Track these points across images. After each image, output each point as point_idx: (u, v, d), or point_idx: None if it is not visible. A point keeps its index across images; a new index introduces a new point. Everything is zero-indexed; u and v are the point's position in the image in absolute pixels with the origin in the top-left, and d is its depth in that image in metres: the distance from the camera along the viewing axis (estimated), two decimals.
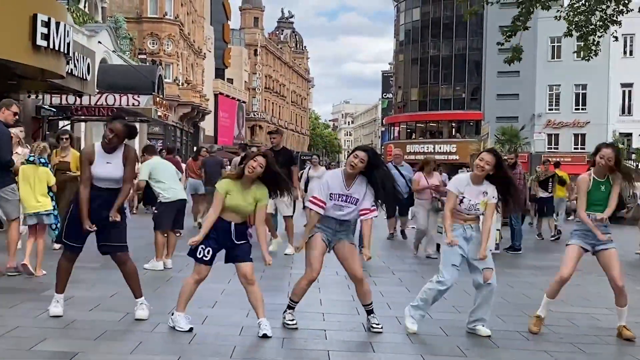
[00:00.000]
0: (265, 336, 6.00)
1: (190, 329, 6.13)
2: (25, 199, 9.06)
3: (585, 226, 6.82)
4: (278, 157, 10.01)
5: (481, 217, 6.64)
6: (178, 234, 10.49)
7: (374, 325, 6.52)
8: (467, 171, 12.90)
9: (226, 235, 6.15)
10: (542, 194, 17.36)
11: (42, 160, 9.31)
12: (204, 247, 6.14)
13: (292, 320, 6.55)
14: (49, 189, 9.29)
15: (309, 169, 16.51)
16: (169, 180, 10.13)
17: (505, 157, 15.08)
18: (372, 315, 6.61)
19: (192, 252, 6.21)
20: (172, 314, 6.31)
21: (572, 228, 7.03)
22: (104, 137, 6.48)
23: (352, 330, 6.61)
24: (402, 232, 16.02)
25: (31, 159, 9.24)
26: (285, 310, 6.62)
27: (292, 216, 12.49)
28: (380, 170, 6.43)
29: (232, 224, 6.16)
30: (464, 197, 6.46)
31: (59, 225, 8.94)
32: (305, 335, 6.33)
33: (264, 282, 9.04)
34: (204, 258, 6.16)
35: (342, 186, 6.41)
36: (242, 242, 6.22)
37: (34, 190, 9.09)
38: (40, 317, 6.56)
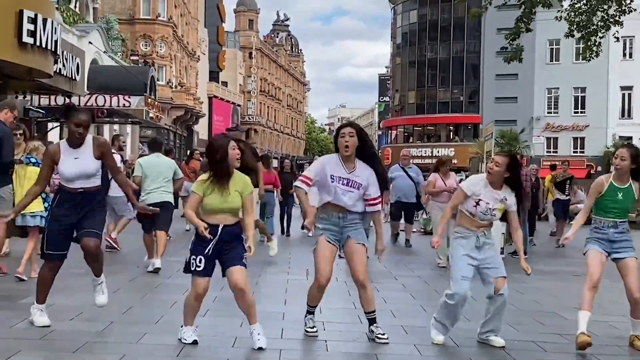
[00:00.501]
0: (260, 349, 5.52)
1: (194, 342, 5.64)
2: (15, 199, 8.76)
3: (598, 232, 6.42)
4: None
5: (497, 224, 6.21)
6: (168, 237, 10.12)
7: (380, 336, 6.04)
8: (466, 175, 12.64)
9: (211, 241, 5.58)
10: (559, 196, 16.88)
11: (33, 160, 9.07)
12: (194, 257, 5.60)
13: (313, 328, 6.18)
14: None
15: None
16: (151, 180, 9.91)
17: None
18: (375, 324, 6.12)
19: (187, 268, 5.68)
20: (181, 327, 5.83)
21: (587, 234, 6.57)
22: (71, 135, 6.06)
23: (355, 340, 6.15)
24: (407, 241, 14.69)
25: (22, 158, 9.06)
26: (306, 315, 6.25)
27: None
28: (368, 150, 6.08)
29: (220, 227, 5.58)
30: (480, 200, 6.02)
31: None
32: (305, 346, 5.87)
33: (259, 288, 8.61)
34: (197, 269, 5.58)
35: (343, 170, 5.97)
36: (231, 242, 5.64)
37: (23, 190, 8.56)
38: (15, 328, 6.09)
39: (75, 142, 6.07)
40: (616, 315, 7.95)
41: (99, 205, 6.22)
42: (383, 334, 6.05)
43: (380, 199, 6.12)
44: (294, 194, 12.32)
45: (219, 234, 5.57)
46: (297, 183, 6.04)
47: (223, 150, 5.55)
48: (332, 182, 5.91)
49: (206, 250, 5.57)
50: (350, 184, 5.92)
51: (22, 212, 8.47)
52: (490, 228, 6.19)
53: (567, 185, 16.99)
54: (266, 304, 7.63)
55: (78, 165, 6.01)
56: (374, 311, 6.13)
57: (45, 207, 8.86)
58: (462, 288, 5.93)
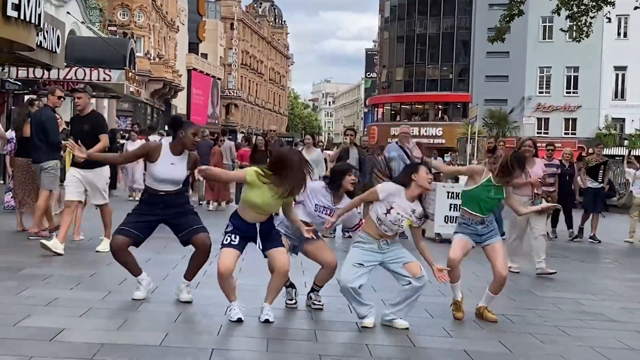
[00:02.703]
0: (267, 321, 6.24)
1: (239, 319, 6.17)
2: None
3: (467, 227, 6.97)
4: (83, 124, 9.66)
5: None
6: None
7: (316, 303, 6.93)
8: (452, 156, 13.21)
9: (252, 237, 6.28)
10: (590, 184, 15.19)
11: None
12: (229, 234, 6.25)
13: (292, 300, 6.99)
14: None
15: (302, 150, 16.53)
16: None
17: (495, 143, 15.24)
18: (316, 293, 7.01)
19: (221, 245, 6.30)
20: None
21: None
22: (185, 144, 6.76)
23: (338, 311, 6.95)
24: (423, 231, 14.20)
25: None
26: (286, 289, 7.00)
27: (106, 204, 10.13)
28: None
29: (257, 225, 6.27)
30: (392, 208, 6.27)
31: None
32: (291, 315, 6.67)
33: (245, 263, 9.35)
34: (232, 242, 6.21)
35: (330, 201, 6.80)
36: (269, 231, 6.34)
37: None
38: (20, 295, 6.83)
39: (179, 150, 6.76)
40: (586, 293, 8.80)
41: (186, 206, 6.98)
42: (320, 301, 6.97)
43: (362, 222, 6.88)
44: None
45: (257, 231, 6.26)
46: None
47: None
48: (316, 211, 6.77)
49: (242, 235, 6.25)
50: (330, 213, 6.75)
51: None
52: (394, 239, 6.45)
53: (601, 172, 15.47)
54: (252, 278, 8.40)
55: (171, 171, 6.73)
56: (322, 286, 7.02)
57: None
58: (350, 274, 6.32)
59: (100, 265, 8.75)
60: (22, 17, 16.72)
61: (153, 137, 18.99)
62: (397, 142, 13.63)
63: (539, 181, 9.91)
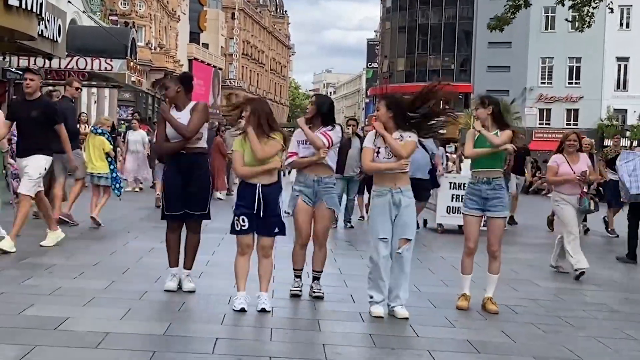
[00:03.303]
0: (263, 310, 6.26)
1: (242, 309, 6.18)
2: (86, 162, 11.55)
3: (473, 187, 7.07)
4: (30, 110, 8.86)
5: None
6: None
7: (316, 291, 6.98)
8: (455, 147, 13.11)
9: (253, 199, 6.32)
10: (612, 175, 14.01)
11: (99, 131, 11.67)
12: (237, 217, 6.35)
13: (297, 287, 7.04)
14: (107, 154, 11.54)
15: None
16: None
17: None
18: (316, 282, 7.08)
19: (232, 229, 6.40)
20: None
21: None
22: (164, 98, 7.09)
23: (341, 301, 6.98)
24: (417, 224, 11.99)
25: (92, 129, 11.77)
26: (294, 279, 7.10)
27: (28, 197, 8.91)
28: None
29: (258, 186, 6.34)
30: (379, 148, 6.51)
31: (120, 185, 11.87)
32: (294, 304, 6.70)
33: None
34: (243, 228, 6.34)
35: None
36: (270, 215, 6.37)
37: (92, 156, 11.52)
38: (24, 284, 6.85)
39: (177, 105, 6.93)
40: (588, 284, 8.81)
41: (204, 175, 7.04)
42: (320, 289, 7.02)
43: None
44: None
45: (258, 192, 6.32)
46: (289, 160, 6.96)
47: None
48: (299, 145, 6.95)
49: (247, 211, 6.32)
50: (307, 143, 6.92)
51: (91, 172, 11.45)
52: (407, 184, 6.61)
53: None
54: (254, 266, 8.43)
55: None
56: (321, 271, 7.10)
57: (111, 169, 11.57)
58: (382, 252, 6.40)
59: (104, 255, 8.76)
60: (23, 6, 16.71)
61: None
62: None
63: (577, 177, 9.13)
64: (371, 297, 6.47)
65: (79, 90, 11.11)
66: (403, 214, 6.45)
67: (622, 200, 12.30)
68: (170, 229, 7.04)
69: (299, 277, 7.13)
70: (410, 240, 6.49)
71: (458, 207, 13.03)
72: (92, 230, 10.85)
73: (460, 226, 13.45)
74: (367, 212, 13.73)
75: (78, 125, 12.84)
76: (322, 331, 5.88)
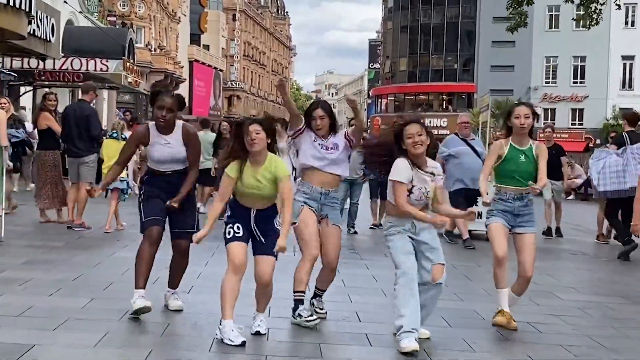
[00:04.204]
0: (258, 333, 5.55)
1: (243, 343, 5.23)
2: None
3: (504, 204, 6.24)
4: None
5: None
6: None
7: (318, 310, 6.16)
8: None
9: (246, 222, 5.50)
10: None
11: (123, 136, 11.18)
12: (231, 225, 5.45)
13: (312, 316, 5.95)
14: None
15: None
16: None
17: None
18: (319, 299, 6.31)
19: (226, 240, 5.49)
20: (220, 324, 5.39)
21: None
22: (156, 117, 6.06)
23: (344, 320, 6.25)
24: (465, 240, 11.51)
25: (114, 135, 11.31)
26: (297, 307, 5.98)
27: None
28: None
29: (252, 210, 5.51)
30: (413, 187, 5.46)
31: (130, 188, 11.56)
32: (294, 327, 5.96)
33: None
34: (236, 234, 5.44)
35: (319, 137, 6.17)
36: (265, 230, 5.54)
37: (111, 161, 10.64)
38: None
39: (166, 129, 6.09)
40: (612, 296, 8.09)
41: (190, 196, 6.27)
42: (322, 308, 6.23)
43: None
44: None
45: (252, 217, 5.51)
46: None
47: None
48: (316, 142, 6.12)
49: (242, 223, 5.48)
50: (328, 148, 6.12)
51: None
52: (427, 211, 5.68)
53: None
54: (251, 280, 7.71)
55: (168, 151, 6.07)
56: (324, 290, 6.32)
57: (127, 174, 11.30)
58: (410, 261, 5.48)
59: (87, 267, 8.04)
60: (11, 3, 16.07)
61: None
62: (456, 134, 11.92)
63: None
64: (402, 328, 5.33)
65: (97, 96, 11.14)
66: (425, 238, 5.58)
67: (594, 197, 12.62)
68: (149, 241, 6.07)
69: (302, 301, 6.03)
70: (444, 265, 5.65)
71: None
72: (79, 239, 10.13)
73: (470, 231, 12.82)
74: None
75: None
76: (324, 358, 5.16)
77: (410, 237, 5.52)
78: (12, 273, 7.46)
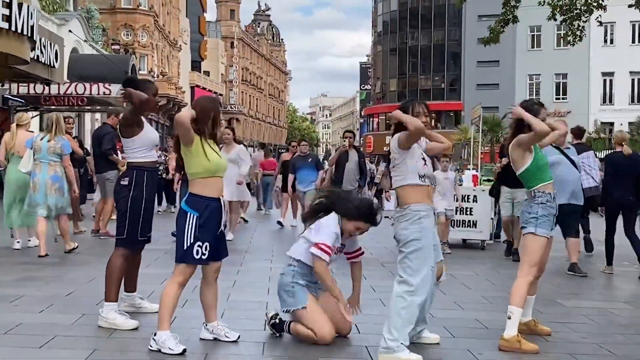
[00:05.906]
0: (234, 341, 5.15)
1: (184, 351, 4.83)
2: None
3: (551, 206, 5.57)
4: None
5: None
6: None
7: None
8: (447, 162, 11.47)
9: (220, 218, 5.03)
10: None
11: None
12: (200, 244, 4.90)
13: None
14: None
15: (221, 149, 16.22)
16: None
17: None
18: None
19: (186, 257, 4.92)
20: (155, 335, 4.94)
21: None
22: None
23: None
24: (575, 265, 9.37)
25: None
26: None
27: None
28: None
29: (221, 199, 5.06)
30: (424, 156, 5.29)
31: None
32: (289, 338, 5.41)
33: (241, 277, 8.16)
34: (203, 257, 4.93)
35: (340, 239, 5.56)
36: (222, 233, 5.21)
37: None
38: None
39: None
40: (616, 301, 7.56)
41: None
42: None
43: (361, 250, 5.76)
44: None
45: (223, 206, 5.09)
46: (319, 254, 5.29)
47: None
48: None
49: (217, 233, 5.05)
50: (339, 251, 5.64)
51: None
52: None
53: None
54: (249, 293, 7.18)
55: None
56: None
57: None
58: (431, 285, 4.99)
59: (80, 283, 7.48)
60: (13, 28, 15.61)
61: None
62: (552, 145, 9.53)
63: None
64: (401, 342, 4.81)
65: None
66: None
67: None
68: (130, 255, 5.73)
69: None
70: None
71: (462, 220, 11.90)
72: (76, 255, 9.56)
73: (464, 240, 12.30)
74: None
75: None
76: None
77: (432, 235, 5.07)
78: (5, 290, 6.93)
